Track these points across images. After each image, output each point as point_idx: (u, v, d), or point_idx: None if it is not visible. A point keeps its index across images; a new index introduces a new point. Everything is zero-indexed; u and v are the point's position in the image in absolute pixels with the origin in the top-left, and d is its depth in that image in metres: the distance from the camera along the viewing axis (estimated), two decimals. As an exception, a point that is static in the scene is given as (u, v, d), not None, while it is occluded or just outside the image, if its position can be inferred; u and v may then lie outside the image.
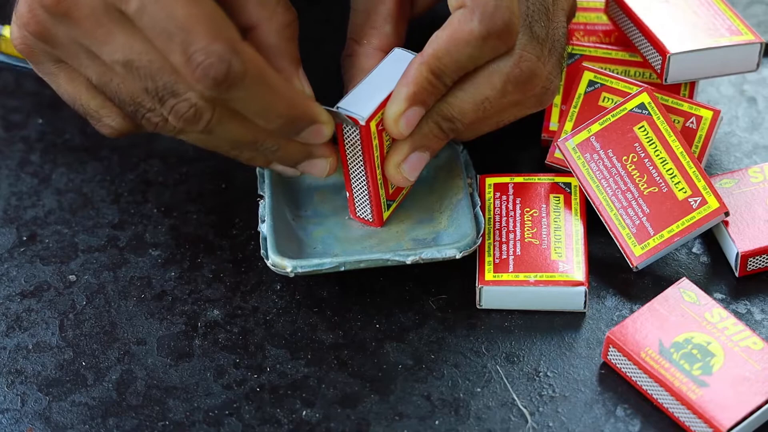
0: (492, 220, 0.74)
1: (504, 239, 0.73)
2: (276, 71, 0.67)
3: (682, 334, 0.68)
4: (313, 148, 0.70)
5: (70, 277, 0.74)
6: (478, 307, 0.72)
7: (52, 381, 0.69)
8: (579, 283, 0.71)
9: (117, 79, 0.67)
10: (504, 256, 0.72)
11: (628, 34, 0.80)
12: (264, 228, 0.72)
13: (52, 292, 0.73)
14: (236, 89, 0.64)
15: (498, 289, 0.71)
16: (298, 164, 0.71)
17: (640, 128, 0.74)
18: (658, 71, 0.77)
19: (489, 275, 0.71)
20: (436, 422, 0.67)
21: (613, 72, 0.79)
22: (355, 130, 0.69)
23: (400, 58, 0.71)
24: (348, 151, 0.70)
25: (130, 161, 0.80)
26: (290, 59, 0.69)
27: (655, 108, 0.74)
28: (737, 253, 0.72)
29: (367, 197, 0.72)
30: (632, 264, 0.71)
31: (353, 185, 0.72)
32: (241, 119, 0.67)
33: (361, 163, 0.70)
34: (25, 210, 0.78)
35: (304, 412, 0.68)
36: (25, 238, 0.76)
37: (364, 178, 0.71)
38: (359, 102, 0.69)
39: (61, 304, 0.73)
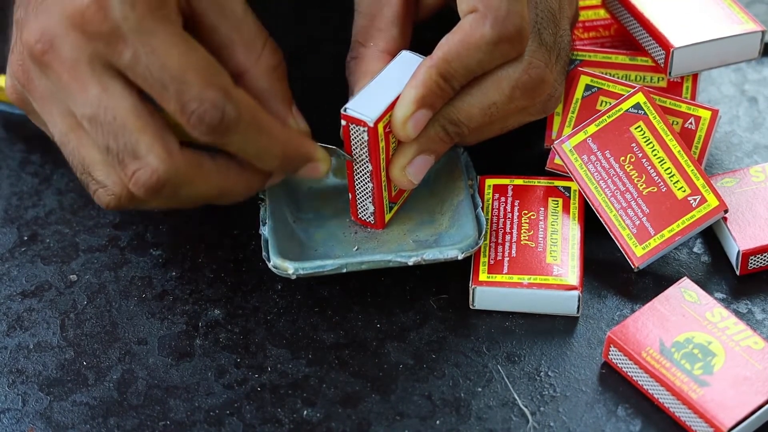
0: (489, 221, 0.74)
1: (500, 240, 0.73)
2: (270, 113, 0.67)
3: (683, 334, 0.68)
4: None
5: (71, 276, 0.74)
6: (471, 307, 0.72)
7: (53, 381, 0.69)
8: (572, 288, 0.70)
9: (74, 142, 0.66)
10: (499, 258, 0.72)
11: (627, 28, 0.80)
12: (265, 231, 0.72)
13: (53, 291, 0.73)
14: (231, 134, 0.65)
15: (491, 290, 0.71)
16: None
17: (636, 128, 0.74)
18: (662, 65, 0.77)
19: (483, 276, 0.71)
20: (437, 422, 0.67)
21: (613, 77, 0.79)
22: (363, 132, 0.69)
23: (408, 60, 0.71)
24: (354, 153, 0.70)
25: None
26: (282, 100, 0.70)
27: (651, 108, 0.74)
28: (738, 252, 0.72)
29: (370, 199, 0.72)
30: (634, 264, 0.71)
31: (357, 187, 0.72)
32: (206, 174, 0.67)
33: (368, 164, 0.70)
34: (26, 210, 0.78)
35: (305, 412, 0.68)
36: (26, 238, 0.76)
37: (369, 179, 0.71)
38: (367, 103, 0.69)
39: (62, 303, 0.73)
